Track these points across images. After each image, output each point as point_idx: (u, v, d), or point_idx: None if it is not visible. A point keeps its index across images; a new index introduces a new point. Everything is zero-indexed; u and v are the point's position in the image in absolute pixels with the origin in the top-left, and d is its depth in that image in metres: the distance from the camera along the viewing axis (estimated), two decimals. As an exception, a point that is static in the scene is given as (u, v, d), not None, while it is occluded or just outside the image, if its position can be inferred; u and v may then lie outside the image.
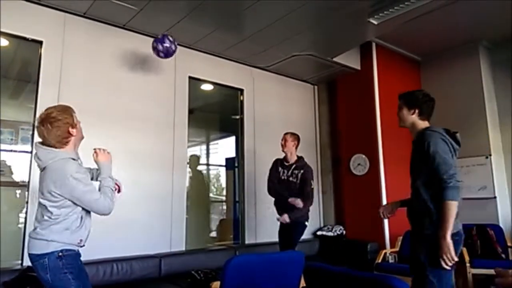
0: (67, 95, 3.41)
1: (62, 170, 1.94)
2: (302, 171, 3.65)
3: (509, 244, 4.43)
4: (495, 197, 4.88)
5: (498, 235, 4.45)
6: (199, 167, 5.99)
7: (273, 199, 3.83)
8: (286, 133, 3.83)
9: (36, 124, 2.05)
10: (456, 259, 2.03)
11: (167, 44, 3.41)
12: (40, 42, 3.40)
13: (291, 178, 3.68)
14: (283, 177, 3.72)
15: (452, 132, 2.23)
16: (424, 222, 2.15)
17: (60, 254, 1.93)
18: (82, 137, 2.15)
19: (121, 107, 3.75)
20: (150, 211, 3.79)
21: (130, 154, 3.72)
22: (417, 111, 2.33)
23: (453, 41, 5.24)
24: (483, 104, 5.11)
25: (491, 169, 4.96)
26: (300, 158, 3.77)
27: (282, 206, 3.66)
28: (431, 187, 2.13)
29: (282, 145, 3.77)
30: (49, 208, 1.95)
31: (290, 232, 3.61)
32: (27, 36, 3.35)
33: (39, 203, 2.01)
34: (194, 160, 5.85)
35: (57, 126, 1.98)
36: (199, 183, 5.87)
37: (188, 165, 5.80)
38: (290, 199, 3.52)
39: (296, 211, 3.52)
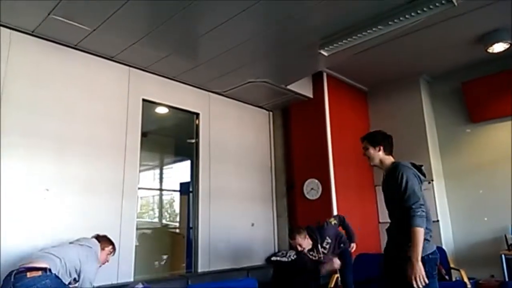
0: (9, 115, 3.20)
1: None
2: (328, 237, 3.69)
3: (452, 265, 4.66)
4: (438, 221, 5.15)
5: (442, 257, 4.64)
6: (156, 198, 5.93)
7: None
8: (293, 239, 3.58)
9: None
10: (426, 280, 2.19)
11: None
12: (-19, 59, 3.20)
13: (324, 251, 3.67)
14: (315, 256, 3.68)
15: (418, 166, 2.49)
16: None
17: None
18: None
19: (69, 130, 3.58)
20: (96, 239, 3.57)
21: (76, 180, 3.53)
22: (381, 148, 2.59)
23: (396, 73, 5.63)
24: (424, 132, 5.48)
25: (433, 193, 5.26)
26: (314, 238, 3.65)
27: None
28: None
29: (299, 250, 3.58)
30: None
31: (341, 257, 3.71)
32: (-33, 52, 3.14)
33: None
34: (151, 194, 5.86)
35: None
36: (157, 212, 5.75)
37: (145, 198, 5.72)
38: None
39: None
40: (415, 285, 2.19)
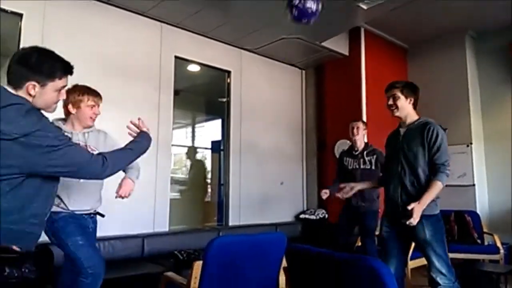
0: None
1: None
2: (375, 155, 3.68)
3: (485, 230, 4.58)
4: (474, 185, 5.01)
5: (475, 221, 4.59)
6: (189, 154, 6.22)
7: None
8: (356, 121, 3.82)
9: None
10: (414, 223, 2.26)
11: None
12: (20, 15, 3.27)
13: (363, 166, 3.68)
14: (352, 167, 3.73)
15: (443, 128, 2.40)
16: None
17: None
18: None
19: (104, 86, 3.63)
20: (133, 192, 3.75)
21: (112, 134, 3.66)
22: (412, 100, 2.45)
23: (440, 30, 5.27)
24: (466, 93, 5.19)
25: (471, 157, 5.07)
26: (367, 144, 3.79)
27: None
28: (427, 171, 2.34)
29: (353, 133, 3.75)
30: None
31: (362, 220, 3.65)
32: (7, 8, 3.21)
33: None
34: (191, 152, 6.11)
35: None
36: (199, 169, 6.10)
37: (187, 156, 5.98)
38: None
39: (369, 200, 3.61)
40: (411, 221, 2.23)
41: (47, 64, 1.48)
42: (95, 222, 2.45)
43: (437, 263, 2.30)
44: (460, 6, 4.57)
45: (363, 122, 3.85)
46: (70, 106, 2.30)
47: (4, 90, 1.43)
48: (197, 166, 6.23)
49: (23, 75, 1.43)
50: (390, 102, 2.48)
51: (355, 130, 3.75)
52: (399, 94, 2.45)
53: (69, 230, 2.21)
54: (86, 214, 2.36)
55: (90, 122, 2.39)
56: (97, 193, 2.47)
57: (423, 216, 2.29)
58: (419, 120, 2.44)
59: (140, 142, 1.96)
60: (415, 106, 2.49)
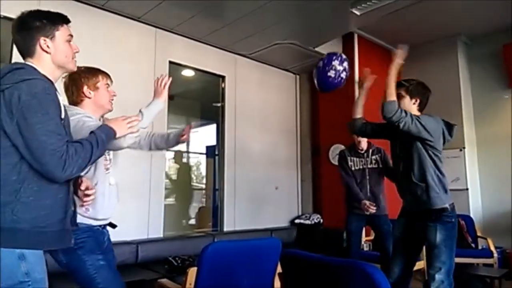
0: (41, 76, 3.30)
1: None
2: (380, 154, 3.60)
3: (478, 234, 4.61)
4: (467, 189, 5.04)
5: (469, 225, 4.61)
6: (184, 160, 6.22)
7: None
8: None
9: None
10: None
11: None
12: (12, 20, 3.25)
13: (370, 165, 3.58)
14: (359, 167, 3.60)
15: (451, 124, 2.32)
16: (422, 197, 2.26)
17: None
18: None
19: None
20: (127, 197, 3.73)
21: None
22: (418, 101, 2.35)
23: (432, 35, 5.32)
24: (459, 98, 5.24)
25: (464, 161, 5.11)
26: (370, 143, 3.65)
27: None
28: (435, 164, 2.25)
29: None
30: None
31: (380, 224, 3.54)
32: (1, 14, 3.20)
33: None
34: (178, 156, 6.04)
35: None
36: (185, 174, 6.10)
37: (173, 160, 5.91)
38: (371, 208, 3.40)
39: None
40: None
41: (43, 16, 1.46)
42: (107, 234, 2.03)
43: (437, 269, 2.19)
44: (453, 12, 4.63)
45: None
46: (85, 89, 1.96)
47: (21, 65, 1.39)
48: (189, 171, 6.22)
49: (29, 38, 1.42)
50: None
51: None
52: (403, 93, 2.35)
53: (90, 246, 1.78)
54: (99, 225, 1.92)
55: (110, 106, 2.07)
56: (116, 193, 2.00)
57: (439, 221, 2.21)
58: None
59: (99, 136, 1.53)
60: (421, 106, 2.38)
